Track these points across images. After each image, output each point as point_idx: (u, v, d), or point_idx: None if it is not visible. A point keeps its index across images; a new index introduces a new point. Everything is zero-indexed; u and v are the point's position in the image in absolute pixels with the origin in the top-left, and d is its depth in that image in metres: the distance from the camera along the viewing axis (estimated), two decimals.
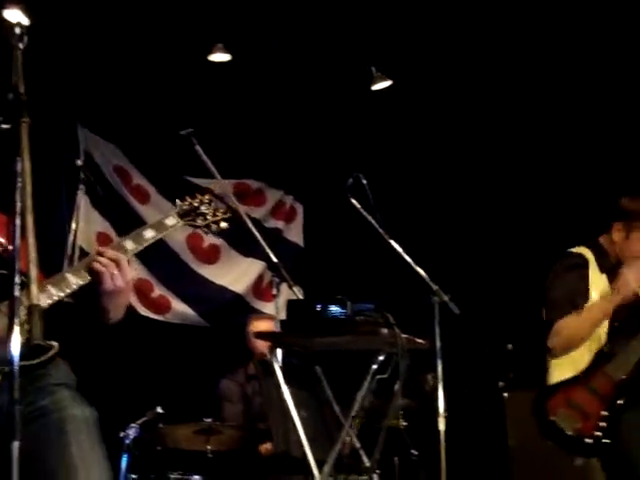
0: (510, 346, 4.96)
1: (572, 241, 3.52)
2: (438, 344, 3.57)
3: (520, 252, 5.73)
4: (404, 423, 4.47)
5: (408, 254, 3.77)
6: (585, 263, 3.41)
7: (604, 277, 3.40)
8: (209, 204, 2.47)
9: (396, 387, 2.97)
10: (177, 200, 2.46)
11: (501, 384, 4.82)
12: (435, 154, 5.99)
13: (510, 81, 5.43)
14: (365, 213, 3.81)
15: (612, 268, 3.40)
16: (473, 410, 5.06)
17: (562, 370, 3.33)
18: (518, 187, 5.89)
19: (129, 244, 2.23)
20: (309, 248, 6.52)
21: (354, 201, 3.83)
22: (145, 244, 2.27)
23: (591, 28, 4.92)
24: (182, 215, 2.42)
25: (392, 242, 3.77)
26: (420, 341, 3.12)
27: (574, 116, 5.49)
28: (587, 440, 3.17)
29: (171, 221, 2.39)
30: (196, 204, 2.46)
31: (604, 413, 3.19)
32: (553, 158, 5.73)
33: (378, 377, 3.18)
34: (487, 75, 5.43)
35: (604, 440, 3.15)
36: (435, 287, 3.67)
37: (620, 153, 5.34)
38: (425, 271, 3.73)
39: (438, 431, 3.53)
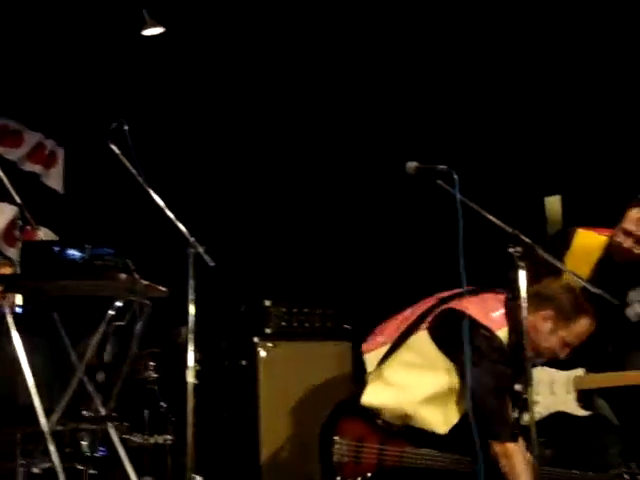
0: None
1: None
2: (191, 296, 3.55)
3: (276, 209, 5.86)
4: (154, 375, 4.44)
5: (167, 204, 3.71)
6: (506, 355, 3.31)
7: None
8: None
9: (135, 335, 2.91)
10: None
11: (256, 339, 4.90)
12: (204, 106, 5.93)
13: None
14: (125, 160, 3.70)
15: None
16: (228, 364, 5.10)
17: None
18: (281, 135, 5.99)
19: None
20: (70, 194, 6.26)
21: (114, 147, 3.70)
22: None
23: None
24: None
25: (150, 191, 3.69)
26: (162, 289, 3.07)
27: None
28: None
29: None
30: None
31: None
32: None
33: (116, 324, 3.10)
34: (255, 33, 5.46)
35: None
36: (191, 239, 3.63)
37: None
38: (184, 223, 3.68)
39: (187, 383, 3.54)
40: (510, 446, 3.26)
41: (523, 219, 4.45)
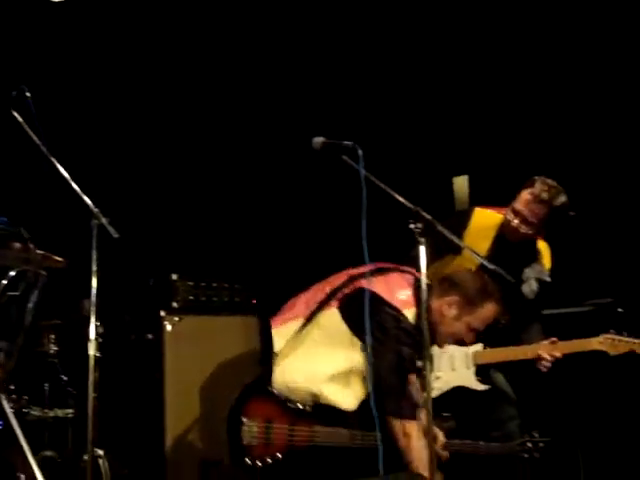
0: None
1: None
2: (94, 268, 3.50)
3: (185, 182, 5.82)
4: (55, 348, 4.36)
5: (71, 174, 3.63)
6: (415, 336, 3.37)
7: None
8: None
9: (29, 305, 2.86)
10: None
11: (162, 313, 4.86)
12: (109, 74, 5.79)
13: None
14: (28, 128, 3.61)
15: None
16: (134, 338, 5.05)
17: None
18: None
19: None
20: None
21: (16, 114, 3.61)
22: None
23: None
24: None
25: (53, 160, 3.61)
26: (58, 259, 3.02)
27: None
28: None
29: None
30: None
31: None
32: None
33: (9, 294, 3.04)
34: None
35: None
36: (95, 209, 3.57)
37: None
38: (88, 194, 3.61)
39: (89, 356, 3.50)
40: (408, 424, 3.33)
41: (431, 198, 4.55)
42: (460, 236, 3.78)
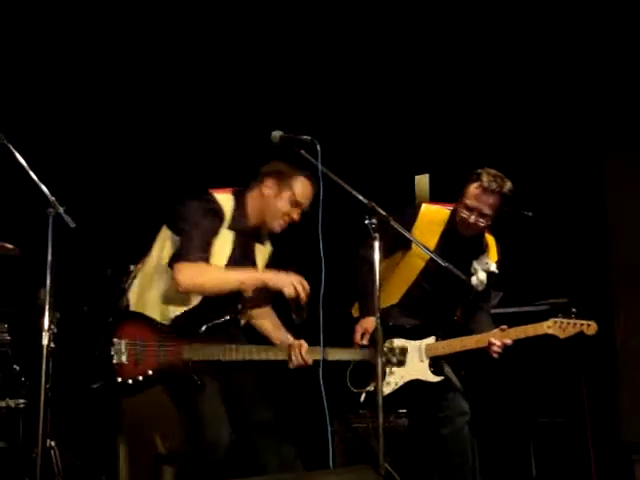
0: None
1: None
2: (49, 257, 3.47)
3: (141, 170, 5.80)
4: (8, 337, 4.33)
5: (28, 162, 3.60)
6: (221, 216, 3.56)
7: (231, 233, 3.59)
8: None
9: None
10: None
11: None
12: (67, 57, 5.72)
13: None
14: None
15: (244, 228, 3.62)
16: (90, 328, 5.01)
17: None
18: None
19: None
20: None
21: None
22: None
23: None
24: None
25: (10, 146, 3.56)
26: (9, 246, 3.00)
27: None
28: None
29: None
30: None
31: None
32: None
33: None
34: None
35: None
36: (52, 198, 3.54)
37: None
38: (43, 181, 3.58)
39: (42, 346, 3.47)
40: (202, 264, 3.46)
41: (394, 196, 4.57)
42: (409, 231, 3.82)
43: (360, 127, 5.85)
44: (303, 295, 3.42)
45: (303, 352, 3.55)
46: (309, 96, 5.79)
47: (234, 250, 3.60)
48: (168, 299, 3.54)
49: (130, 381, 3.43)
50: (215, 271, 3.52)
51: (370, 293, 3.20)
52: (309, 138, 3.22)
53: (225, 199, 3.61)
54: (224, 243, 3.58)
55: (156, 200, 5.74)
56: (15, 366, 4.35)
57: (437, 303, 4.09)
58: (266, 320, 3.85)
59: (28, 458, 4.12)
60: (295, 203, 3.61)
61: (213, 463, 3.39)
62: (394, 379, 3.97)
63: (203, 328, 3.49)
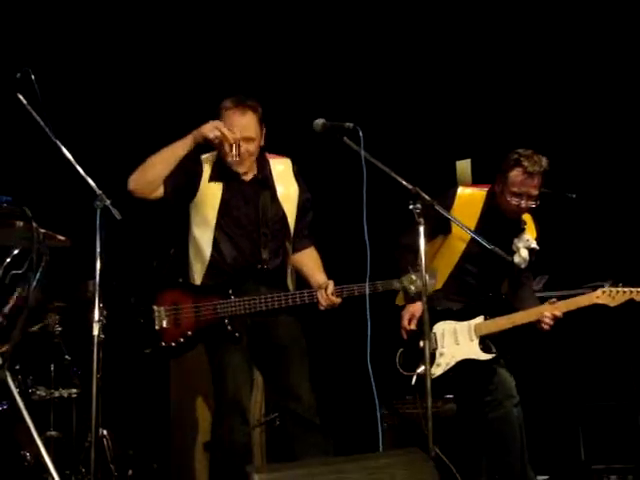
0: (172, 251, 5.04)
1: None
2: (98, 249, 3.53)
3: None
4: (59, 328, 4.41)
5: (75, 156, 3.65)
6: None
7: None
8: None
9: (33, 285, 2.88)
10: None
11: None
12: (115, 56, 5.80)
13: None
14: (32, 110, 3.63)
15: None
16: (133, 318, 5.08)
17: None
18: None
19: None
20: None
21: (21, 97, 3.63)
22: None
23: None
24: None
25: (57, 142, 3.63)
26: (61, 238, 3.05)
27: None
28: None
29: None
30: None
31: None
32: None
33: (13, 272, 3.07)
34: None
35: None
36: (99, 191, 3.60)
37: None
38: (90, 175, 3.64)
39: (93, 336, 3.54)
40: None
41: (436, 181, 4.56)
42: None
43: (402, 113, 5.83)
44: (228, 135, 3.51)
45: (329, 292, 3.55)
46: (351, 83, 5.78)
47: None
48: (191, 262, 3.71)
49: (173, 344, 3.61)
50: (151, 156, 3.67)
51: None
52: (351, 125, 3.23)
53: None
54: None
55: None
56: (67, 357, 4.44)
57: (481, 283, 4.10)
58: (307, 263, 3.84)
59: (81, 447, 4.21)
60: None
61: (239, 430, 3.53)
62: (444, 360, 3.98)
63: (230, 291, 3.59)
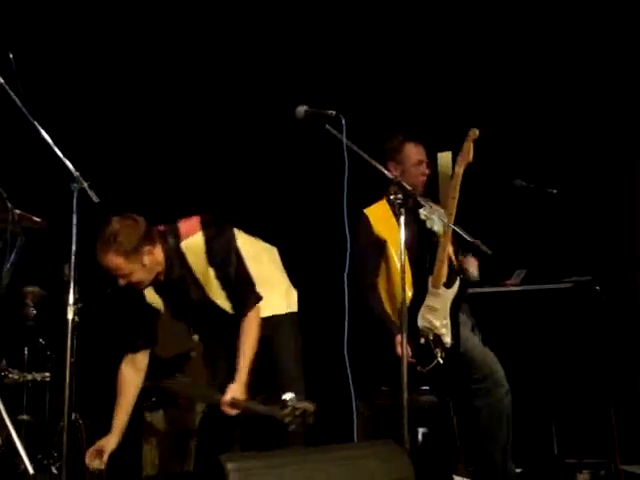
0: None
1: None
2: (74, 232, 3.48)
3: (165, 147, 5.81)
4: (34, 311, 4.37)
5: (53, 137, 3.60)
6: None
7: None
8: None
9: (6, 267, 2.84)
10: None
11: None
12: (93, 35, 5.73)
13: None
14: (9, 90, 3.57)
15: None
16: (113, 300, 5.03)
17: None
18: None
19: None
20: None
21: None
22: None
23: None
24: None
25: (35, 123, 3.57)
26: (36, 219, 3.01)
27: None
28: None
29: None
30: None
31: None
32: None
33: None
34: None
35: None
36: (76, 173, 3.54)
37: None
38: (68, 157, 3.59)
39: (67, 320, 3.49)
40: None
41: None
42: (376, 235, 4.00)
43: (384, 102, 5.81)
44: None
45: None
46: (333, 70, 5.76)
47: None
48: None
49: None
50: None
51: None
52: (334, 112, 3.21)
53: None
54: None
55: (180, 176, 5.79)
56: (41, 340, 4.40)
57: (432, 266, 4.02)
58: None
59: (54, 431, 4.17)
60: None
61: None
62: (447, 340, 3.90)
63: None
